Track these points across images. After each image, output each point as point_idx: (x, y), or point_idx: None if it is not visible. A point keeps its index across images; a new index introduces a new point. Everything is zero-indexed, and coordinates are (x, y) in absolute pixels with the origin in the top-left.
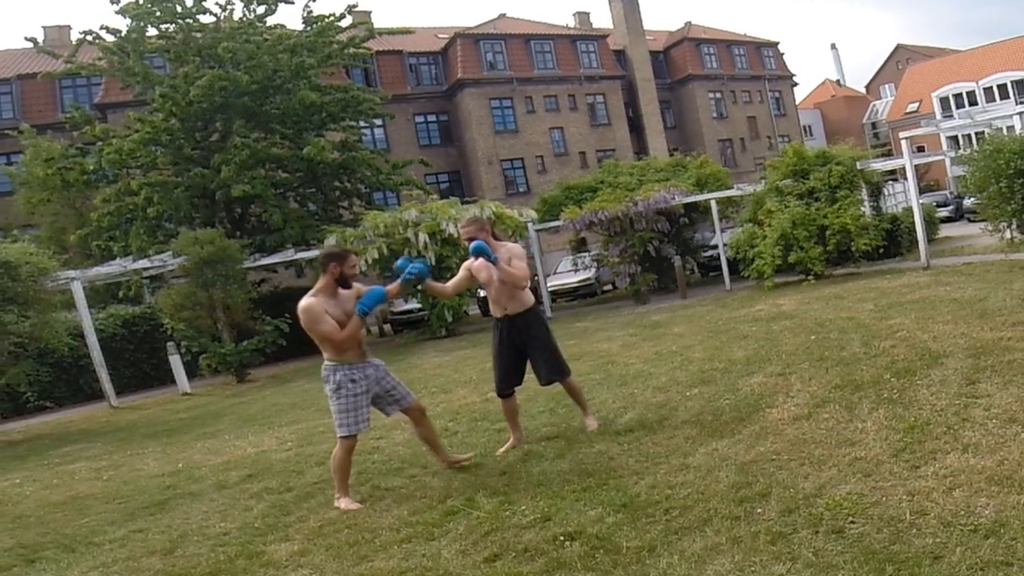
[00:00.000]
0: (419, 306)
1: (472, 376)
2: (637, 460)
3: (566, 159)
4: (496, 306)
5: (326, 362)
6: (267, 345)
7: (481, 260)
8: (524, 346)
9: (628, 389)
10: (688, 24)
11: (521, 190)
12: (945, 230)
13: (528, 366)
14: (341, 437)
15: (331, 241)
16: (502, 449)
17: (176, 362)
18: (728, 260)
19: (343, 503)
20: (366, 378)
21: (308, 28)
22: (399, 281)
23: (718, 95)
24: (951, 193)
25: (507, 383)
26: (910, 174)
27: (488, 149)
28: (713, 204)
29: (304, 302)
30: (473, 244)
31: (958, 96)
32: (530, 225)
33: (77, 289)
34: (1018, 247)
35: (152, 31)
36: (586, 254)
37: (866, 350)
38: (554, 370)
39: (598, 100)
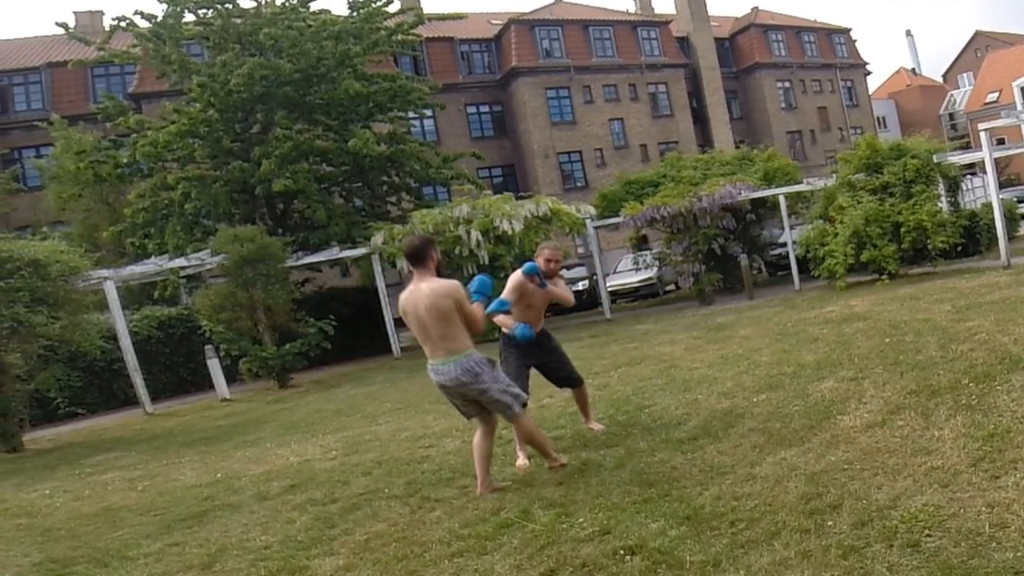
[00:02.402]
0: None
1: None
2: (701, 470)
3: (626, 152)
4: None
5: (464, 353)
6: (311, 348)
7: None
8: (546, 358)
9: (692, 395)
10: (755, 10)
11: (579, 185)
12: None
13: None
14: (521, 408)
15: (378, 239)
16: (520, 462)
17: (214, 366)
18: (797, 259)
19: (560, 458)
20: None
21: (354, 14)
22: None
23: (787, 84)
24: None
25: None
26: (989, 168)
27: (544, 141)
28: (781, 199)
29: (452, 282)
30: (530, 265)
31: None
32: (588, 222)
33: (110, 289)
34: None
35: (189, 17)
36: (647, 252)
37: (943, 354)
38: (577, 376)
39: (660, 90)
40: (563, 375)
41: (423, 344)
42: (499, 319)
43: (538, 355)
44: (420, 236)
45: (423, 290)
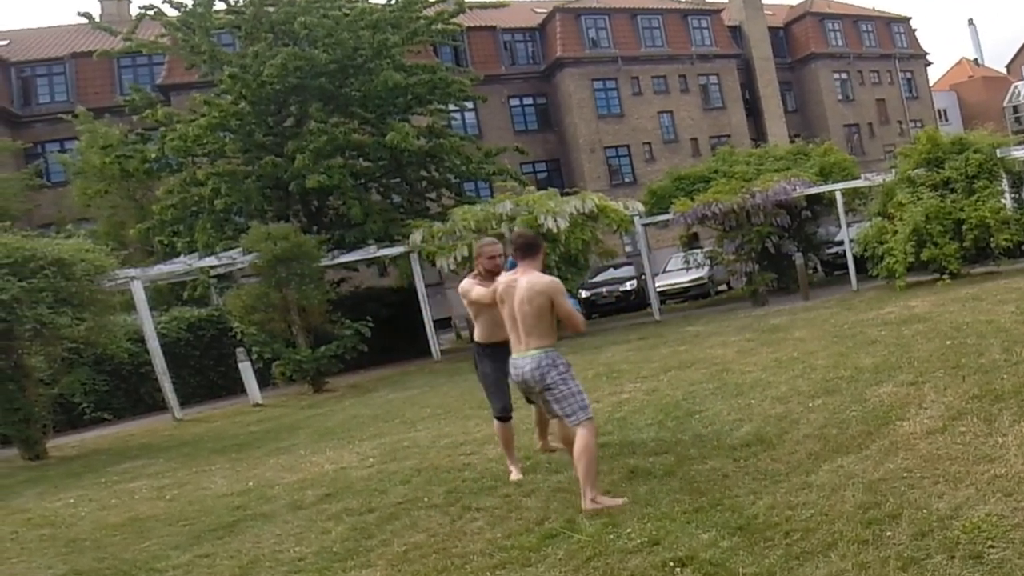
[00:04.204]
0: None
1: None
2: (754, 478)
3: (676, 146)
4: (496, 332)
5: (545, 349)
6: (347, 351)
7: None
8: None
9: (744, 400)
10: None
11: (627, 180)
12: None
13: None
14: (587, 419)
15: (416, 237)
16: (515, 477)
17: (246, 370)
18: (854, 257)
19: (605, 501)
20: None
21: (392, 2)
22: None
23: (844, 75)
24: None
25: (509, 404)
26: None
27: (590, 135)
28: (838, 196)
29: (551, 278)
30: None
31: None
32: (636, 219)
33: (137, 289)
34: None
35: (220, 5)
36: (698, 251)
37: (1007, 357)
38: None
39: (711, 81)
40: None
41: (509, 332)
42: None
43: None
44: (532, 232)
45: (522, 284)
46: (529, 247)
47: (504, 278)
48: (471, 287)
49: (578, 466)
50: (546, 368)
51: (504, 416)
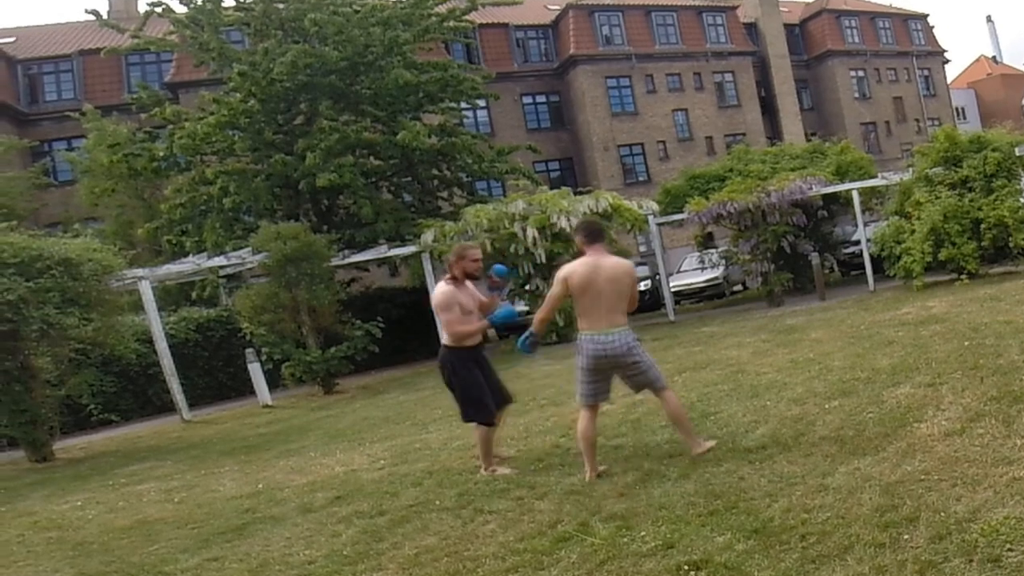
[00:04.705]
0: (527, 308)
1: None
2: (770, 480)
3: (691, 144)
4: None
5: (625, 327)
6: (357, 352)
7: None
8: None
9: (760, 401)
10: None
11: (641, 179)
12: None
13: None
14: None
15: (428, 237)
16: (500, 470)
17: (256, 371)
18: (871, 257)
19: (706, 445)
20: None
21: None
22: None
23: (860, 73)
24: None
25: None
26: None
27: (604, 133)
28: (855, 195)
29: (629, 262)
30: (499, 267)
31: None
32: (651, 218)
33: (145, 289)
34: None
35: (229, 1)
36: (713, 251)
37: None
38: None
39: (727, 79)
40: (504, 392)
41: (587, 314)
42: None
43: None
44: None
45: (607, 265)
46: (600, 232)
47: (585, 261)
48: (455, 292)
49: (679, 424)
50: (632, 342)
51: (494, 422)
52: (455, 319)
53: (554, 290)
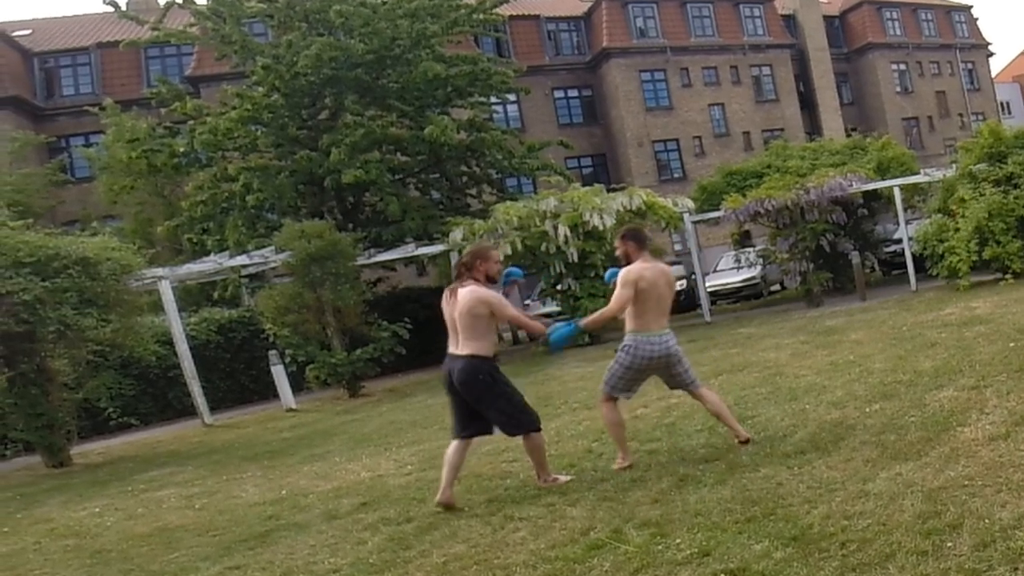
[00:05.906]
0: (558, 309)
1: None
2: (809, 486)
3: (727, 140)
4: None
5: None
6: (384, 354)
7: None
8: None
9: (799, 405)
10: None
11: (676, 176)
12: None
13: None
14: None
15: (457, 235)
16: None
17: (279, 373)
18: (914, 256)
19: (745, 433)
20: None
21: None
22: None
23: (902, 67)
24: None
25: None
26: None
27: (638, 129)
28: (897, 192)
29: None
30: (515, 271)
31: None
32: (686, 216)
33: (166, 289)
34: None
35: None
36: (750, 250)
37: None
38: None
39: (764, 72)
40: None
41: (643, 315)
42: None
43: None
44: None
45: (664, 270)
46: (644, 238)
47: (645, 266)
48: (489, 297)
49: (721, 416)
50: (677, 342)
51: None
52: (515, 315)
53: (625, 292)
